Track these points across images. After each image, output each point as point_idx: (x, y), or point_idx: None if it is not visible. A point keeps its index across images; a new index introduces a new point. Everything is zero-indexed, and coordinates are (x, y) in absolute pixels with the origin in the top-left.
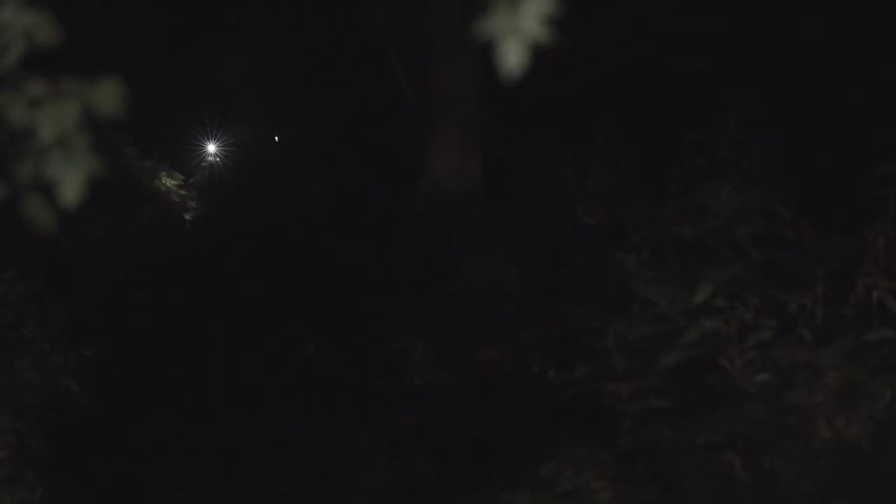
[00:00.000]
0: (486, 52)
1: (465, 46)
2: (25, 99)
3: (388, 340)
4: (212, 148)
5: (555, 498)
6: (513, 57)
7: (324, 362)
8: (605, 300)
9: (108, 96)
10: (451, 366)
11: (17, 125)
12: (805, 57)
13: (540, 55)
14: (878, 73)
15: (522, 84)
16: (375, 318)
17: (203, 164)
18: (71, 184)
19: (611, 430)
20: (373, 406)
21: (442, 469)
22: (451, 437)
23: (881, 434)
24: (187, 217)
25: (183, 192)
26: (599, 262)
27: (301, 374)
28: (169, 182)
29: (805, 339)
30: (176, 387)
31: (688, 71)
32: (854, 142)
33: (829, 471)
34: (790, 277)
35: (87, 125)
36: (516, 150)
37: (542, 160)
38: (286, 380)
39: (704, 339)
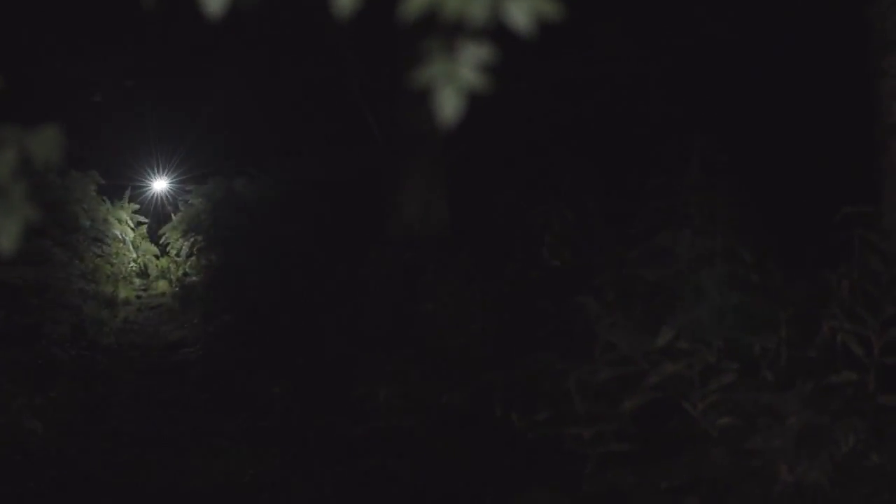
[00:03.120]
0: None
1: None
2: None
3: (352, 383)
4: (159, 185)
5: None
6: (449, 105)
7: (288, 405)
8: (568, 343)
9: (46, 144)
10: (415, 409)
11: None
12: (768, 100)
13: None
14: (841, 116)
15: (490, 127)
16: (341, 361)
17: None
18: (8, 232)
19: (574, 473)
20: (337, 449)
21: None
22: (415, 481)
23: (843, 478)
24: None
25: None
26: (564, 305)
27: (265, 417)
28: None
29: (768, 382)
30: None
31: (653, 115)
32: (817, 185)
33: None
34: (754, 320)
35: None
36: (483, 192)
37: (509, 203)
38: (250, 422)
39: (667, 383)
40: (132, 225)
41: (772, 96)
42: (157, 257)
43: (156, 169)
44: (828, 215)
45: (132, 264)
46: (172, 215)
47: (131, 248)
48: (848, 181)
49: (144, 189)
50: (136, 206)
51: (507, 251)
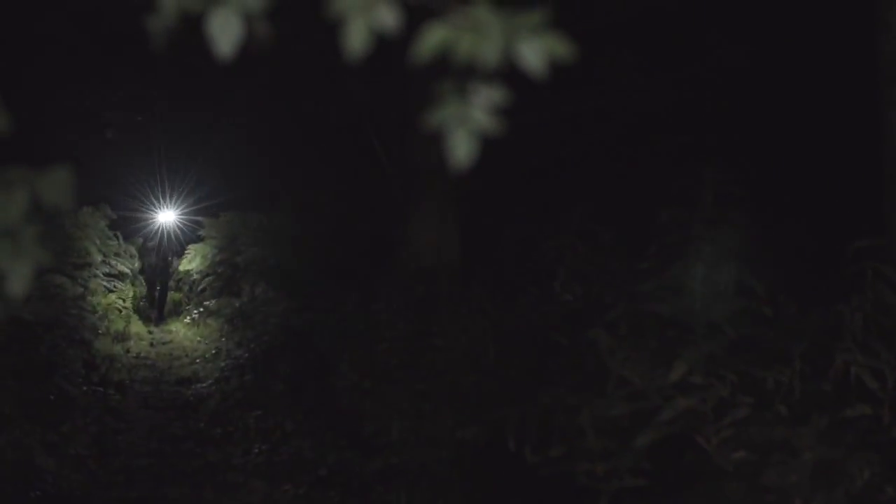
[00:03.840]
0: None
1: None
2: None
3: (365, 418)
4: (166, 217)
5: None
6: (462, 147)
7: (301, 440)
8: (581, 378)
9: (57, 186)
10: (427, 445)
11: None
12: (782, 132)
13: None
14: (854, 150)
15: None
16: (353, 396)
17: (149, 240)
18: (18, 276)
19: None
20: (350, 484)
21: None
22: None
23: None
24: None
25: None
26: (576, 339)
27: (278, 452)
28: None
29: (782, 416)
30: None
31: (665, 146)
32: (830, 218)
33: None
34: (767, 354)
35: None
36: (495, 225)
37: (521, 235)
38: (264, 457)
39: (680, 418)
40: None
41: (785, 127)
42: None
43: (164, 202)
44: (841, 248)
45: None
46: (182, 248)
47: (142, 281)
48: (861, 213)
49: (151, 222)
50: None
51: (519, 284)
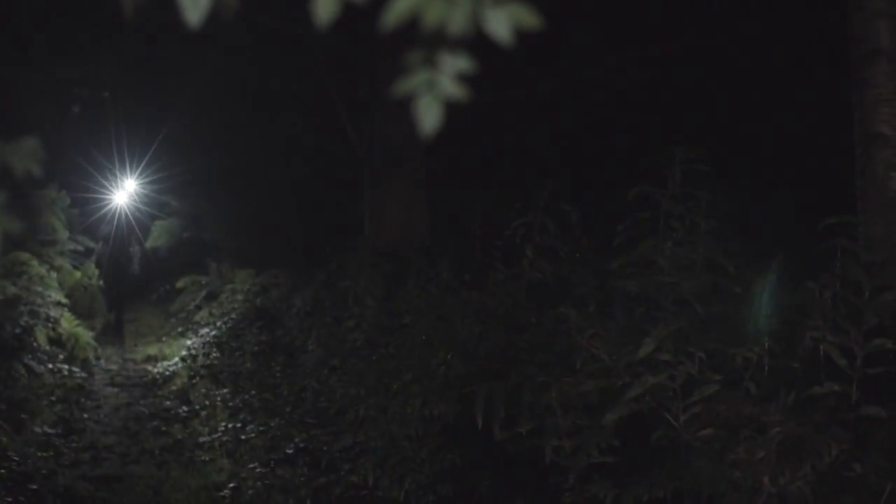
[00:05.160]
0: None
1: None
2: None
3: (332, 396)
4: (121, 197)
5: None
6: (429, 114)
7: (268, 417)
8: (550, 355)
9: (26, 155)
10: (395, 422)
11: None
12: (751, 109)
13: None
14: (825, 126)
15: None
16: (321, 373)
17: (105, 223)
18: None
19: (555, 486)
20: (318, 463)
21: None
22: (395, 494)
23: (826, 489)
24: None
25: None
26: (546, 316)
27: (245, 430)
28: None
29: (751, 393)
30: None
31: (634, 124)
32: (800, 195)
33: None
34: (736, 331)
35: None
36: (463, 203)
37: (490, 214)
38: (231, 434)
39: (649, 394)
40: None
41: (755, 105)
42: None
43: (122, 181)
44: (810, 225)
45: None
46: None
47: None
48: (830, 190)
49: (107, 202)
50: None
51: (487, 262)
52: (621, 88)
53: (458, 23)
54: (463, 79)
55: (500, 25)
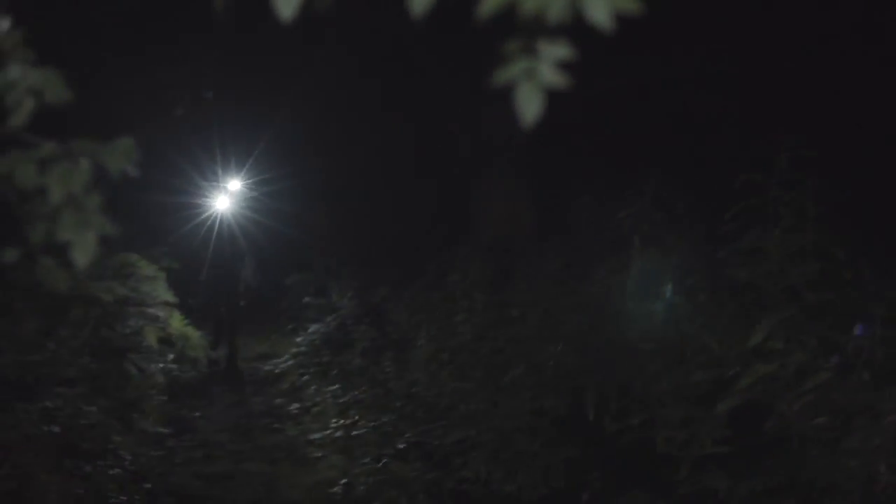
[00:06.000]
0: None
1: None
2: (34, 160)
3: (443, 390)
4: (223, 202)
5: None
6: (530, 104)
7: (379, 413)
8: (659, 346)
9: (121, 155)
10: (507, 416)
11: (25, 187)
12: (859, 95)
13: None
14: None
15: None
16: (430, 368)
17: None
18: (82, 246)
19: (668, 477)
20: (428, 457)
21: None
22: (509, 487)
23: None
24: None
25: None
26: (654, 307)
27: (358, 426)
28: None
29: (864, 381)
30: None
31: (742, 111)
32: None
33: None
34: (848, 318)
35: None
36: (570, 195)
37: (596, 204)
38: (343, 430)
39: (760, 384)
40: None
41: (862, 90)
42: None
43: (224, 187)
44: None
45: None
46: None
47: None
48: None
49: (208, 207)
50: None
51: (595, 254)
52: (728, 76)
53: (556, 10)
54: (564, 67)
55: (599, 12)
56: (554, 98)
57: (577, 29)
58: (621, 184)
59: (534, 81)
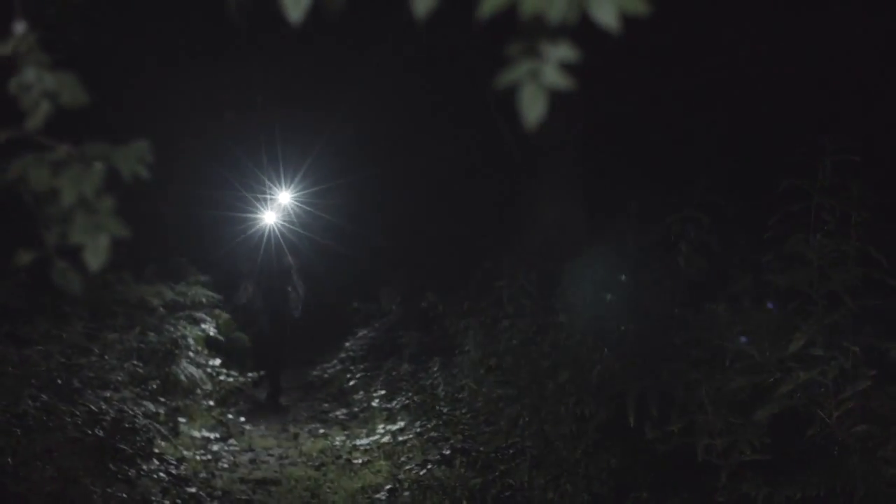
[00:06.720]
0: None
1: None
2: (48, 162)
3: (489, 396)
4: (271, 216)
5: None
6: (533, 105)
7: (426, 417)
8: (702, 353)
9: (133, 159)
10: (549, 421)
11: (39, 189)
12: None
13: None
14: None
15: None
16: (477, 373)
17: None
18: (95, 249)
19: (707, 484)
20: (475, 463)
21: None
22: (550, 492)
23: None
24: None
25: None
26: (699, 313)
27: (404, 431)
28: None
29: None
30: None
31: (786, 115)
32: None
33: None
34: (890, 324)
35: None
36: (619, 200)
37: (645, 210)
38: (390, 436)
39: (800, 391)
40: None
41: None
42: None
43: (270, 195)
44: None
45: None
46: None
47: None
48: None
49: (257, 220)
50: None
51: (643, 259)
52: (772, 81)
53: (557, 10)
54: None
55: (605, 13)
56: (604, 101)
57: (624, 33)
58: (669, 188)
59: (537, 83)
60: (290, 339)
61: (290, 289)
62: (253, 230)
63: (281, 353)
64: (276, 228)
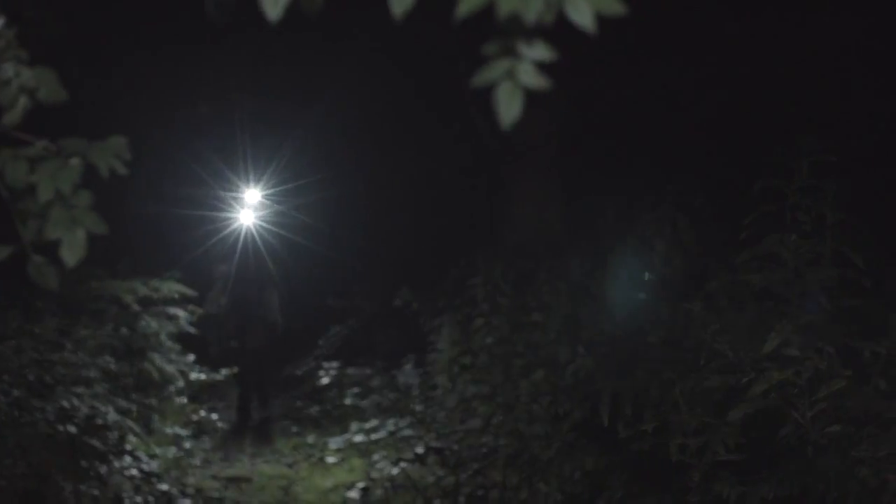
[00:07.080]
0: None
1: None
2: (25, 158)
3: (463, 395)
4: (247, 216)
5: None
6: (509, 104)
7: (399, 417)
8: (677, 352)
9: (111, 155)
10: (524, 420)
11: (16, 185)
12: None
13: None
14: None
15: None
16: (451, 372)
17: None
18: (71, 245)
19: (681, 484)
20: (448, 461)
21: None
22: (520, 494)
23: None
24: None
25: None
26: (674, 312)
27: (377, 429)
28: None
29: (881, 389)
30: None
31: (762, 115)
32: None
33: None
34: (865, 325)
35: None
36: (595, 199)
37: (620, 207)
38: (363, 435)
39: (774, 390)
40: None
41: (885, 94)
42: None
43: (243, 194)
44: None
45: None
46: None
47: None
48: None
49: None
50: None
51: (618, 258)
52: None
53: (533, 11)
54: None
55: (581, 14)
56: (581, 101)
57: (603, 33)
58: (646, 187)
59: (513, 82)
60: (272, 366)
61: (267, 302)
62: (228, 230)
63: (265, 382)
64: (252, 228)
